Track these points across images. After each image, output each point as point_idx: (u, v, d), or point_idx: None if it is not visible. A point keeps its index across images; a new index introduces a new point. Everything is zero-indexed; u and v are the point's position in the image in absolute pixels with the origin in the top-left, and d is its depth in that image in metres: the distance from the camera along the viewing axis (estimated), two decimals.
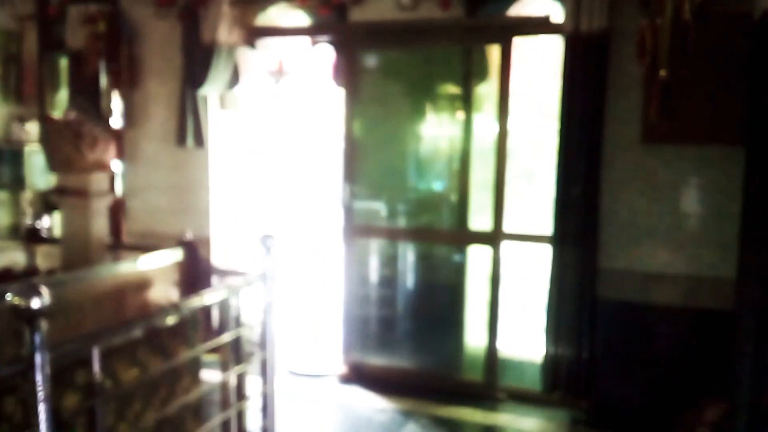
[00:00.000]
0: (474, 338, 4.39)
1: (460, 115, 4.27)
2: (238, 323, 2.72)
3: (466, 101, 4.27)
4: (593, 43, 3.62)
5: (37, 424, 1.68)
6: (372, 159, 4.52)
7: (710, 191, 3.64)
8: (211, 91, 4.62)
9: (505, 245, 4.16)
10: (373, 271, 4.62)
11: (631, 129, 3.74)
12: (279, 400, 2.98)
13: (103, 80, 4.75)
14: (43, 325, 1.68)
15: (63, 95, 5.12)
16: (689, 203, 3.67)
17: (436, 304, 4.40)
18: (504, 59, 4.02)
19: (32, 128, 4.95)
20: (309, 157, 8.16)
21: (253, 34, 4.65)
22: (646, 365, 3.79)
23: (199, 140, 4.69)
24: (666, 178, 3.73)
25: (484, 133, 4.27)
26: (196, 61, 4.48)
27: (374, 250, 4.61)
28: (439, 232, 4.47)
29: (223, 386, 2.77)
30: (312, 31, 4.56)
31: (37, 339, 1.66)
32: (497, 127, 4.05)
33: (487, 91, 4.25)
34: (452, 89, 4.35)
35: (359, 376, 4.51)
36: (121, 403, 2.29)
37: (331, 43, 4.49)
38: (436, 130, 4.34)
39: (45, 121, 4.51)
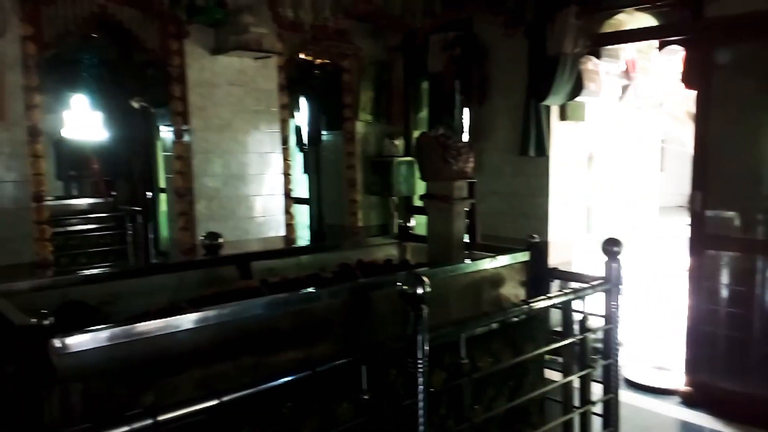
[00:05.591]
0: None
1: None
2: (582, 328, 2.80)
3: None
4: None
5: (415, 394, 2.03)
6: (727, 164, 4.16)
7: None
8: (554, 101, 4.80)
9: None
10: (726, 286, 4.23)
11: None
12: (621, 410, 2.98)
13: (457, 99, 5.33)
14: (424, 309, 2.01)
15: (424, 114, 5.93)
16: None
17: None
18: None
19: (399, 143, 5.87)
20: (648, 163, 7.76)
21: (597, 42, 4.67)
22: None
23: (541, 150, 4.91)
24: None
25: None
26: (541, 74, 4.68)
27: (726, 263, 4.22)
28: None
29: (565, 388, 2.88)
30: (661, 33, 4.39)
31: (420, 321, 2.01)
32: None
33: None
34: None
35: (705, 398, 4.19)
36: (477, 386, 2.57)
37: (681, 43, 4.27)
38: None
39: (420, 137, 5.28)
